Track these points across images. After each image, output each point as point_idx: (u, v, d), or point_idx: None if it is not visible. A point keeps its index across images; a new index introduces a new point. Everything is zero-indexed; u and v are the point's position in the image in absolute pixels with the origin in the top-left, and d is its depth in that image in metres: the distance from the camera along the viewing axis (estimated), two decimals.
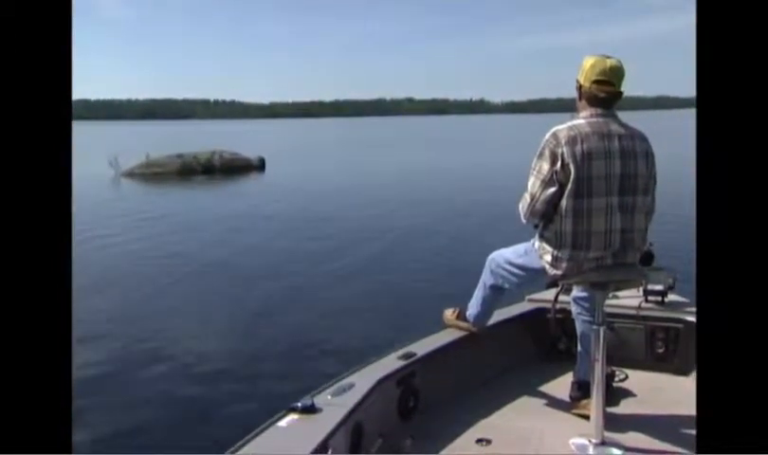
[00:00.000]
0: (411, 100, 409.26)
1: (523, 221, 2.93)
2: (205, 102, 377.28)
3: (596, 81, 2.79)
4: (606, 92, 2.80)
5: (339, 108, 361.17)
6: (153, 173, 24.33)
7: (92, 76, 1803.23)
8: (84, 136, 64.65)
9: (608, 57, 2.84)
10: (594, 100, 2.81)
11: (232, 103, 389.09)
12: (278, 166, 27.95)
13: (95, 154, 25.94)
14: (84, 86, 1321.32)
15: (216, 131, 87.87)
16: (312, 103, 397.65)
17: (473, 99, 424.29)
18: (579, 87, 2.86)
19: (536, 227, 2.96)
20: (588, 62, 2.83)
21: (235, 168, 25.90)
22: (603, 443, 2.82)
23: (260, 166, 27.10)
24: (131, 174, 24.28)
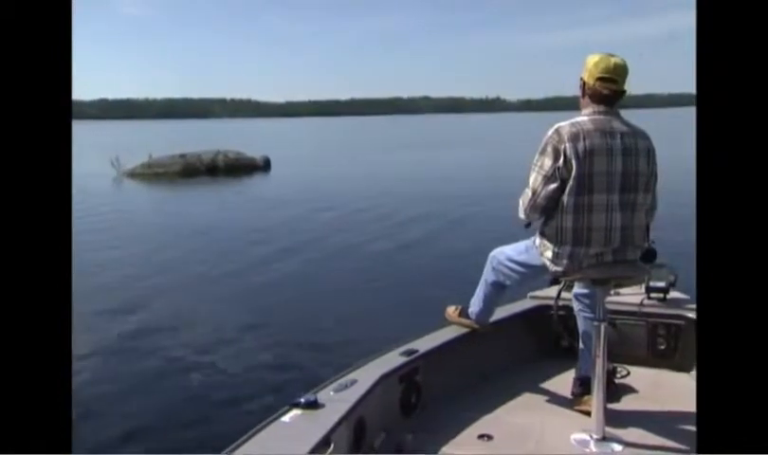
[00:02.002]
0: (426, 99, 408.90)
1: (521, 216, 2.94)
2: (221, 101, 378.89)
3: (600, 78, 2.81)
4: (609, 89, 2.82)
5: (355, 107, 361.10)
6: (154, 174, 23.93)
7: (111, 75, 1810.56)
8: (100, 135, 64.81)
9: (612, 55, 2.85)
10: (597, 98, 2.83)
11: (248, 102, 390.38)
12: (285, 166, 27.49)
13: (108, 154, 25.51)
14: (103, 85, 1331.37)
15: (229, 130, 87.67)
16: (328, 102, 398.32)
17: (489, 97, 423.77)
18: (583, 84, 2.87)
19: (527, 226, 2.98)
20: (592, 59, 2.85)
21: (239, 168, 25.39)
22: (604, 438, 2.83)
23: (264, 166, 26.58)
24: (132, 175, 23.90)
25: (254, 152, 27.79)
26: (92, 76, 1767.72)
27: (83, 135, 68.83)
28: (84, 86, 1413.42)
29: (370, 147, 44.58)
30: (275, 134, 78.25)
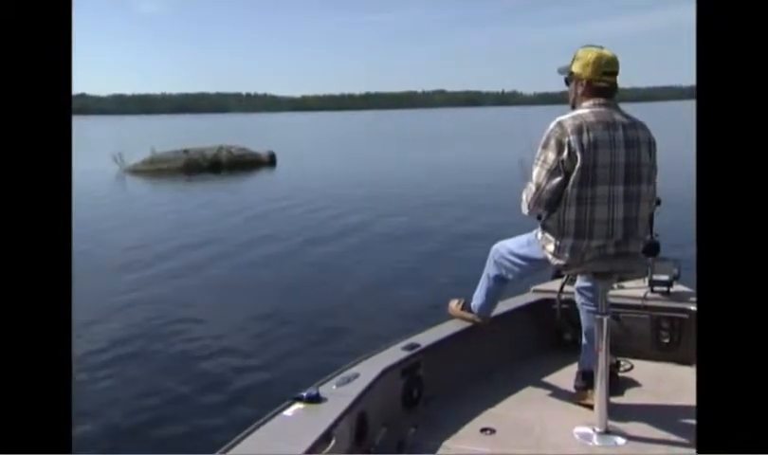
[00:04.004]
0: (442, 93, 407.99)
1: (525, 211, 2.93)
2: (237, 96, 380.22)
3: (605, 73, 2.83)
4: (611, 82, 2.85)
5: (371, 101, 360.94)
6: (157, 170, 23.31)
7: (128, 71, 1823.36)
8: (113, 130, 64.81)
9: (601, 48, 2.89)
10: (599, 91, 2.84)
11: (264, 97, 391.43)
12: (292, 161, 26.87)
13: (116, 149, 24.79)
14: (120, 81, 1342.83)
15: (242, 124, 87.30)
16: (343, 96, 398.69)
17: (505, 90, 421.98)
18: (586, 80, 2.85)
19: (538, 218, 2.97)
20: (590, 55, 2.86)
21: (243, 164, 24.79)
22: (607, 432, 2.83)
23: (270, 161, 25.88)
24: (134, 171, 23.32)
25: (262, 147, 27.21)
26: (109, 72, 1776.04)
27: (96, 130, 69.12)
28: (101, 82, 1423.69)
29: (382, 141, 44.21)
30: (288, 128, 77.81)
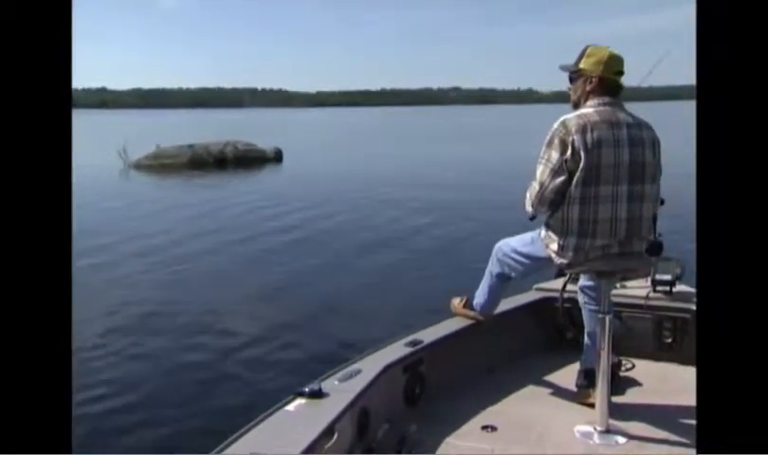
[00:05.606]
0: (457, 90, 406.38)
1: (529, 210, 2.94)
2: (252, 91, 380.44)
3: (616, 72, 2.86)
4: (619, 82, 2.88)
5: (385, 97, 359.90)
6: (161, 165, 22.85)
7: (148, 66, 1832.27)
8: (126, 124, 64.76)
9: (608, 47, 2.90)
10: (609, 89, 2.85)
11: (279, 92, 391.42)
12: (300, 158, 26.41)
13: (126, 143, 24.27)
14: (140, 76, 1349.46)
15: (253, 119, 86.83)
16: (358, 92, 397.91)
17: (521, 88, 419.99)
18: (597, 77, 2.85)
19: (531, 219, 2.98)
20: (603, 52, 2.87)
21: (249, 160, 24.35)
22: (608, 431, 2.84)
23: (276, 158, 25.46)
24: (138, 166, 22.88)
25: (273, 142, 26.81)
26: (130, 67, 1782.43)
27: (110, 124, 69.17)
28: (123, 77, 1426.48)
29: (393, 138, 43.79)
30: (300, 124, 77.15)
